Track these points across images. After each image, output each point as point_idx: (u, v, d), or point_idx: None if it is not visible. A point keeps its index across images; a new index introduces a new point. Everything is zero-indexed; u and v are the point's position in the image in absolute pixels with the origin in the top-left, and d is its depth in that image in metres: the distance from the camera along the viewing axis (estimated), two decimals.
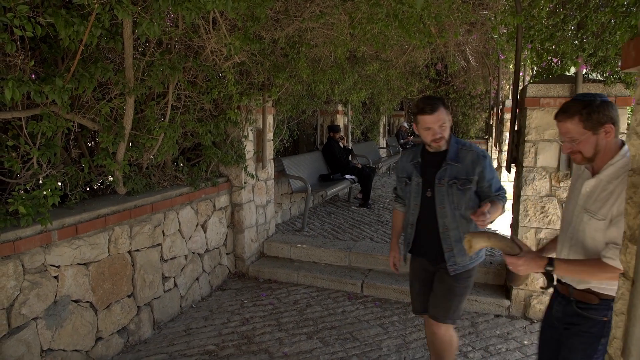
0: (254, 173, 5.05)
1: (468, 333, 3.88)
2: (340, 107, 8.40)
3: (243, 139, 4.76)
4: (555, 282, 2.05)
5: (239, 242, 5.04)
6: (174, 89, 3.32)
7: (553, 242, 2.17)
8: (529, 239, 3.99)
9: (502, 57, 7.33)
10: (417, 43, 4.35)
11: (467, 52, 9.14)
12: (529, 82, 4.05)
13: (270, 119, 5.33)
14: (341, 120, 8.47)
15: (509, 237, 1.95)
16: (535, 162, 3.84)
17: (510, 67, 8.31)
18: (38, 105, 2.63)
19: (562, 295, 2.01)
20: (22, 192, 2.80)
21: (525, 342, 3.75)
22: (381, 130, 12.39)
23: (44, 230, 2.81)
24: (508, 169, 4.24)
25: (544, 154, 3.81)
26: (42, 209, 2.75)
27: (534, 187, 3.89)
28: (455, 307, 2.67)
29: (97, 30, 2.28)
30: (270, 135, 5.39)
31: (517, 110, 4.05)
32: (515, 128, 4.08)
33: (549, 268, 1.80)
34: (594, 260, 1.74)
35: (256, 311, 4.23)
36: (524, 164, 3.90)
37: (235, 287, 4.82)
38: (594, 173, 1.85)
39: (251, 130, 4.98)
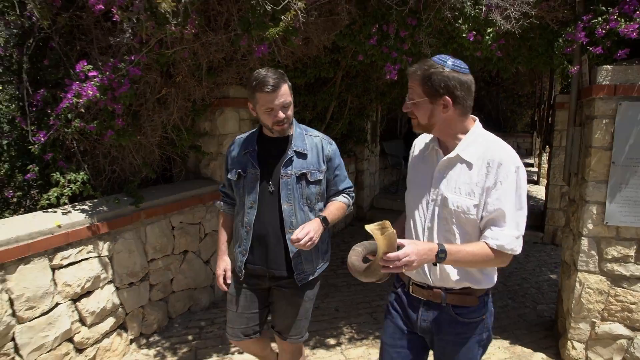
0: (370, 150, 7.59)
1: None
2: None
3: (366, 127, 7.30)
4: (408, 289, 1.80)
5: (360, 196, 7.58)
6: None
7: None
8: (557, 194, 6.35)
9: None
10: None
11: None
12: (558, 94, 6.39)
13: (379, 114, 7.85)
14: None
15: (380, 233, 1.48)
16: (560, 144, 6.19)
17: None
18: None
19: (427, 303, 1.75)
20: None
21: (552, 253, 6.12)
22: None
23: None
24: (543, 149, 6.61)
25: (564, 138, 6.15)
26: None
27: (560, 159, 6.24)
28: (307, 323, 2.37)
29: (340, 72, 4.82)
30: (378, 125, 7.91)
31: (550, 111, 6.42)
32: (549, 122, 6.46)
33: (441, 255, 1.53)
34: (481, 246, 1.59)
35: None
36: (554, 145, 6.25)
37: (357, 225, 7.35)
38: (447, 153, 1.68)
39: (369, 121, 7.50)
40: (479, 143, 1.65)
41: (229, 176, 2.28)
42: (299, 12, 2.24)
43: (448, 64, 1.58)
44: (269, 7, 2.22)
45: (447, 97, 1.58)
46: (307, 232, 2.00)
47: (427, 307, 1.76)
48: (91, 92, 2.65)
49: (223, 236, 2.42)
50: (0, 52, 3.97)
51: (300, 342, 2.40)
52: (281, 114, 2.07)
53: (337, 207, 2.27)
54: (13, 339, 2.71)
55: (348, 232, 7.10)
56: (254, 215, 2.19)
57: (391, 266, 1.48)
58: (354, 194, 2.41)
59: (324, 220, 2.14)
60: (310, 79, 4.30)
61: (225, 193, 2.42)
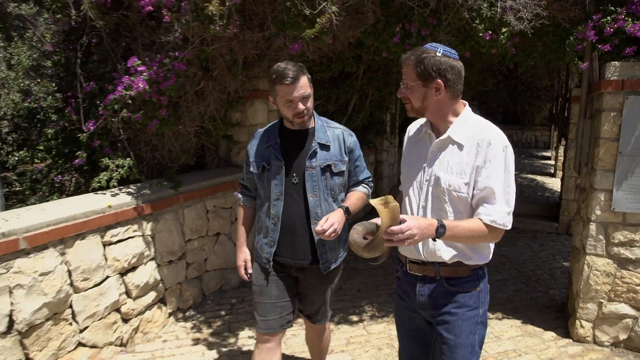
0: (389, 141, 7.83)
1: (530, 239, 6.47)
2: None
3: (386, 119, 7.54)
4: (406, 267, 1.89)
5: (379, 186, 7.84)
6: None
7: None
8: (571, 185, 6.51)
9: None
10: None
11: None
12: (573, 87, 6.54)
13: (398, 107, 8.08)
14: None
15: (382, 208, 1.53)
16: (575, 136, 6.34)
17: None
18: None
19: (423, 278, 1.85)
20: None
21: (566, 243, 6.29)
22: None
23: None
24: (559, 141, 6.77)
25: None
26: None
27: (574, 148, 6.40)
28: (330, 304, 2.54)
29: (363, 66, 5.06)
30: (397, 117, 8.14)
31: (567, 104, 6.58)
32: (565, 115, 6.62)
33: (440, 230, 1.61)
34: (476, 222, 1.67)
35: None
36: (569, 137, 6.42)
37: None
38: (439, 136, 1.78)
39: (389, 114, 7.74)
40: (469, 125, 1.74)
41: (251, 169, 2.30)
42: (332, 15, 2.50)
43: (439, 49, 1.68)
44: (308, 12, 2.49)
45: (439, 80, 1.66)
46: (331, 223, 2.05)
47: (423, 282, 1.85)
48: (142, 85, 2.95)
49: (242, 228, 2.46)
50: (49, 48, 4.32)
51: (326, 322, 2.60)
52: (301, 106, 2.10)
53: (358, 197, 2.34)
54: (71, 306, 3.04)
55: (367, 220, 7.36)
56: (281, 206, 2.23)
57: (394, 239, 1.54)
58: (372, 184, 2.49)
59: (347, 210, 2.20)
60: (334, 73, 4.56)
61: (244, 186, 2.45)
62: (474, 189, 1.71)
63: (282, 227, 2.26)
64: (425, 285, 1.84)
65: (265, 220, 2.29)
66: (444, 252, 1.77)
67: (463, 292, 1.81)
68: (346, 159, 2.27)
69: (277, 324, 2.35)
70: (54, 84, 5.05)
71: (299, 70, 2.08)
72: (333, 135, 2.26)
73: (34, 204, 4.25)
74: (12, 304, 2.66)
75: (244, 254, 2.42)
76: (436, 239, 1.67)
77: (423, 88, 1.69)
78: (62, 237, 2.94)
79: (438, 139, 1.77)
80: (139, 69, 3.05)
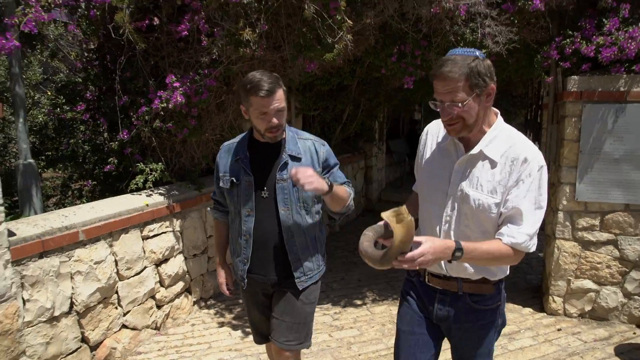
0: (378, 148, 8.43)
1: None
2: (417, 108, 11.76)
3: (375, 127, 8.13)
4: (424, 279, 1.80)
5: (369, 190, 8.42)
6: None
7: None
8: None
9: None
10: None
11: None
12: (545, 96, 7.25)
13: (385, 115, 8.70)
14: (418, 116, 11.83)
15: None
16: (547, 138, 7.05)
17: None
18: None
19: (443, 292, 1.75)
20: None
21: (541, 237, 6.90)
22: None
23: None
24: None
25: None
26: None
27: (546, 154, 7.10)
28: (309, 329, 2.30)
29: (357, 79, 5.64)
30: (384, 125, 8.76)
31: (539, 111, 7.28)
32: (538, 121, 7.31)
33: (457, 254, 1.50)
34: (496, 244, 1.56)
35: None
36: (542, 141, 7.10)
37: (368, 216, 8.18)
38: (468, 147, 1.64)
39: (377, 121, 8.35)
40: (502, 139, 1.61)
41: (221, 184, 2.22)
42: (348, 42, 3.07)
43: (476, 53, 1.53)
44: (330, 40, 3.05)
45: (493, 85, 1.54)
46: (311, 173, 1.88)
47: (443, 296, 1.76)
48: (180, 99, 3.46)
49: (220, 244, 2.42)
50: (79, 65, 4.80)
51: (297, 348, 2.27)
52: (275, 120, 2.00)
53: (342, 188, 2.13)
54: (117, 292, 3.51)
55: (360, 222, 7.92)
56: (253, 222, 2.14)
57: (405, 265, 1.48)
58: (353, 188, 2.31)
59: (330, 185, 1.98)
60: (333, 85, 5.12)
61: (217, 201, 2.38)
62: (502, 207, 1.60)
63: (255, 243, 2.17)
64: (446, 299, 1.77)
65: (237, 237, 2.22)
66: (469, 268, 1.69)
67: (487, 309, 1.76)
68: (318, 169, 2.16)
69: (266, 334, 2.40)
70: (62, 97, 5.48)
71: (275, 83, 1.96)
72: (304, 147, 2.18)
73: (69, 206, 4.69)
74: (72, 288, 3.13)
75: (223, 272, 2.38)
76: (451, 261, 1.58)
77: (478, 99, 1.54)
78: (110, 231, 3.42)
79: (468, 154, 1.64)
80: (175, 84, 3.55)
